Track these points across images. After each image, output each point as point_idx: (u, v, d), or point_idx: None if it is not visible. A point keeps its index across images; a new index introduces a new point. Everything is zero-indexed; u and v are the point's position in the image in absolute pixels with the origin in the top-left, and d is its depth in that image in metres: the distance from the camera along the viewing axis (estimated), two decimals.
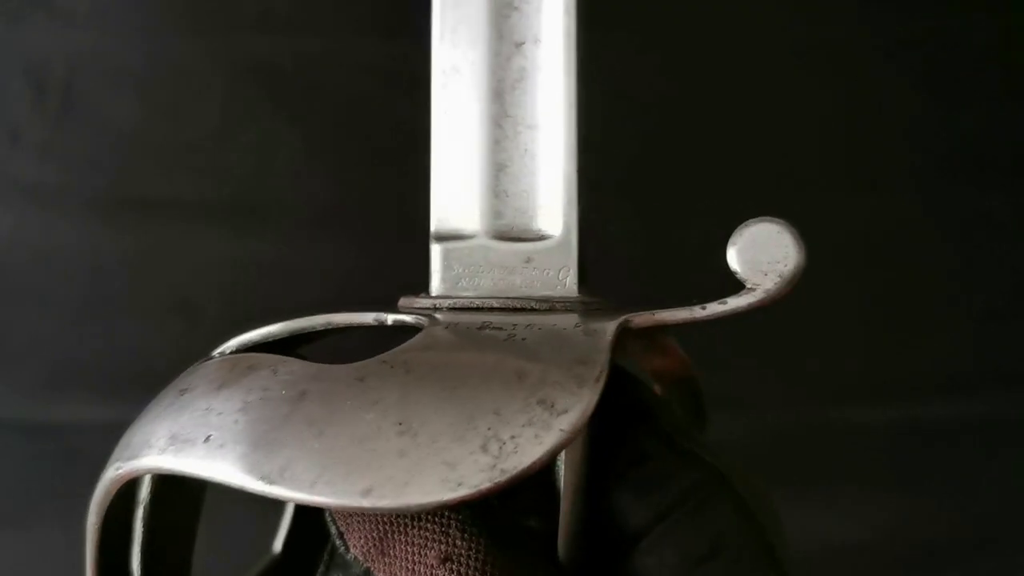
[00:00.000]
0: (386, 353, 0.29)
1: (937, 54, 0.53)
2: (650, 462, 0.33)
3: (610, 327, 0.30)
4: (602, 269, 0.36)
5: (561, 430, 0.26)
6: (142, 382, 0.34)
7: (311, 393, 0.29)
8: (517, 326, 0.30)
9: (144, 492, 0.35)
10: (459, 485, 0.26)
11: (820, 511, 0.53)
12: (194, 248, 0.50)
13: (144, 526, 0.35)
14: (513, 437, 0.26)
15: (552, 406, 0.27)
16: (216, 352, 0.35)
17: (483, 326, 0.31)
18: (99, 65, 0.50)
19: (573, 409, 0.27)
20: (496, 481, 0.26)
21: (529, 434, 0.26)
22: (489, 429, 0.27)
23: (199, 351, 0.35)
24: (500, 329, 0.30)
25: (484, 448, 0.26)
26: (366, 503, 0.27)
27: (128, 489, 0.33)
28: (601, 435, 0.33)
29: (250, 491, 0.28)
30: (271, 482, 0.28)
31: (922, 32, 0.53)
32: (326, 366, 0.30)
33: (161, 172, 0.50)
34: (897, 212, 0.53)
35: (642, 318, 0.31)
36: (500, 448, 0.26)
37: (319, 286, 0.50)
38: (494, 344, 0.29)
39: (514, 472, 0.26)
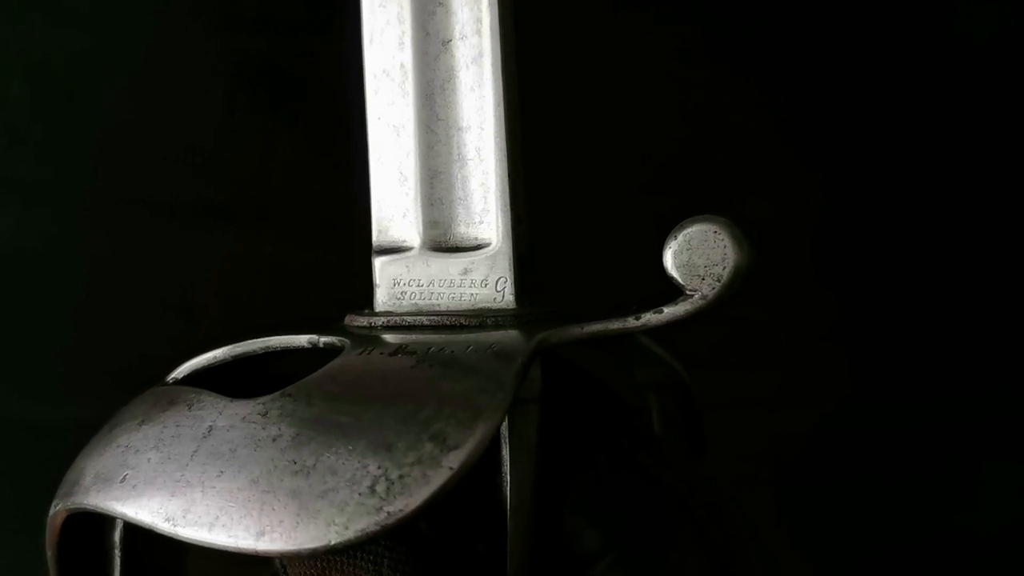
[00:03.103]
0: (292, 385, 0.28)
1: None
2: (605, 482, 0.31)
3: (524, 349, 0.28)
4: (563, 277, 0.34)
5: (450, 468, 0.25)
6: (142, 382, 0.34)
7: (217, 430, 0.28)
8: (431, 349, 0.29)
9: (117, 535, 0.35)
10: (346, 528, 0.25)
11: (822, 511, 0.51)
12: (194, 248, 0.50)
13: (122, 559, 0.35)
14: (401, 477, 0.25)
15: (444, 441, 0.25)
16: (169, 378, 0.35)
17: (398, 350, 0.29)
18: (99, 65, 0.50)
19: (464, 445, 0.25)
20: (383, 524, 0.25)
21: (417, 473, 0.25)
22: (379, 468, 0.25)
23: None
24: (413, 353, 0.29)
25: (372, 489, 0.25)
26: (260, 547, 0.26)
27: (83, 524, 0.33)
28: (555, 451, 0.32)
29: (160, 532, 0.28)
30: (175, 524, 0.27)
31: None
32: (235, 400, 0.29)
33: (161, 172, 0.50)
34: (894, 211, 0.50)
35: (565, 333, 0.29)
36: (388, 489, 0.25)
37: (319, 286, 0.49)
38: (400, 372, 0.28)
39: (400, 515, 0.25)
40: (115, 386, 0.33)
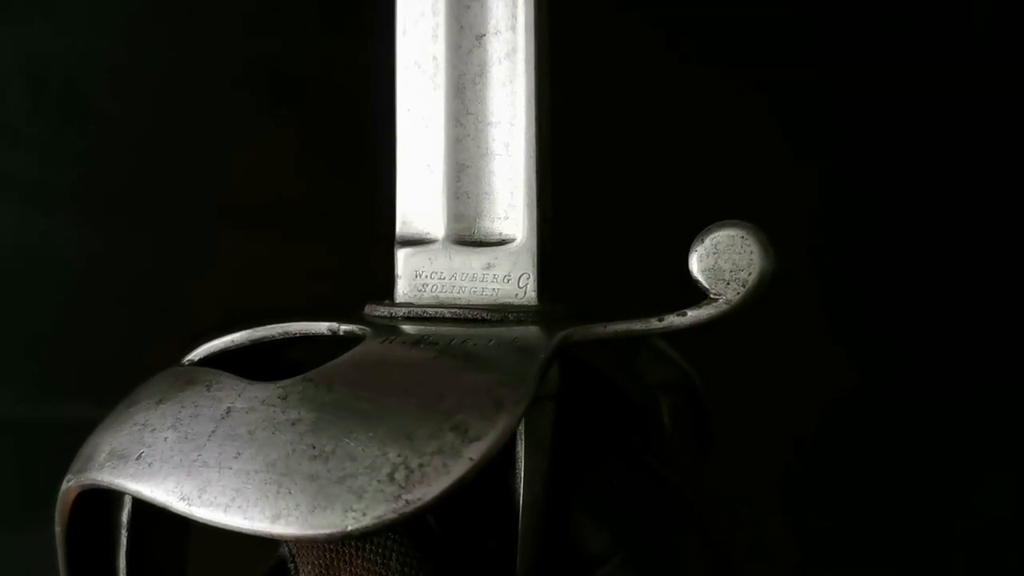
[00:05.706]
0: (313, 370, 0.28)
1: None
2: (614, 483, 0.32)
3: (547, 344, 0.28)
4: (578, 275, 0.34)
5: (470, 459, 0.25)
6: (141, 382, 0.34)
7: (235, 411, 0.28)
8: (454, 341, 0.29)
9: (124, 515, 0.35)
10: (363, 515, 0.25)
11: (826, 510, 0.51)
12: (194, 248, 0.50)
13: (128, 538, 0.35)
14: (421, 465, 0.25)
15: (465, 432, 0.25)
16: (186, 359, 0.35)
17: (419, 340, 0.29)
18: (99, 65, 0.50)
19: (485, 436, 0.25)
20: (401, 512, 0.25)
21: (437, 462, 0.25)
22: (399, 455, 0.25)
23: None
24: (435, 344, 0.29)
25: (391, 476, 0.25)
26: (275, 530, 0.26)
27: (92, 501, 0.32)
28: (567, 450, 0.32)
29: (174, 511, 0.28)
30: (190, 503, 0.27)
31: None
32: (255, 383, 0.29)
33: (161, 172, 0.51)
34: (895, 210, 0.50)
35: (588, 332, 0.29)
36: (407, 477, 0.25)
37: (320, 286, 0.49)
38: (422, 362, 0.28)
39: (419, 503, 0.25)
40: (115, 387, 0.33)
